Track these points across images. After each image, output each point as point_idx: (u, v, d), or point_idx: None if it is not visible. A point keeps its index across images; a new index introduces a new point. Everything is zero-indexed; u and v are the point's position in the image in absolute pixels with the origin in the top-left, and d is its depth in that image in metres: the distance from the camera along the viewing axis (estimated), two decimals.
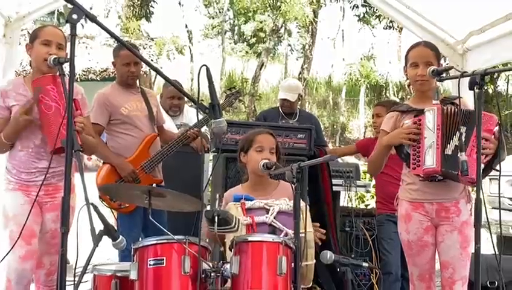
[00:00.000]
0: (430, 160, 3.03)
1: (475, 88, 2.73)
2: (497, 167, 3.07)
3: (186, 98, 5.15)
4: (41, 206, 3.29)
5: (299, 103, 5.83)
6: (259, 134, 3.42)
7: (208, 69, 2.51)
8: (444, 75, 3.12)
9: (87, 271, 2.42)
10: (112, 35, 2.59)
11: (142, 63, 4.65)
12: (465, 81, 2.83)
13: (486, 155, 3.02)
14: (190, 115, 5.37)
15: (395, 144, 3.21)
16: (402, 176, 3.35)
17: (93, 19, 2.30)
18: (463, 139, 2.97)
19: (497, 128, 3.08)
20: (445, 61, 5.89)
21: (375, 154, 3.37)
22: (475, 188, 2.79)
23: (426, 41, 3.56)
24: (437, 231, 3.23)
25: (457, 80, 2.97)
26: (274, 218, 3.14)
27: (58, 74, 3.01)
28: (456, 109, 3.09)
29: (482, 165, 2.90)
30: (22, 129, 3.24)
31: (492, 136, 3.06)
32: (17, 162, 3.31)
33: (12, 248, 3.08)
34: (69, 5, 2.26)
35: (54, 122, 3.10)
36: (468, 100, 3.13)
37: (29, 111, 3.19)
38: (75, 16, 2.22)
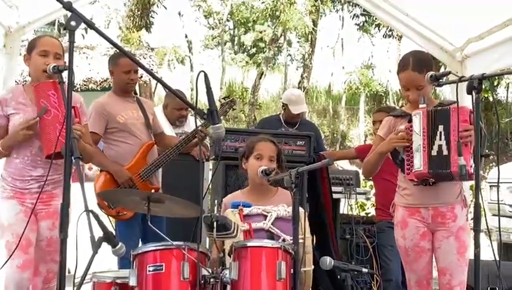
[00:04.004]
0: (418, 163, 3.06)
1: (473, 92, 2.74)
2: (496, 172, 3.06)
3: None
4: (36, 213, 3.27)
5: None
6: (259, 141, 3.44)
7: (205, 75, 2.52)
8: (443, 79, 3.12)
9: (86, 280, 2.41)
10: (111, 42, 2.59)
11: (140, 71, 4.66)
12: (464, 86, 2.84)
13: (470, 143, 2.98)
14: (192, 123, 5.32)
15: (390, 149, 3.22)
16: (398, 182, 3.35)
17: (91, 25, 2.32)
18: (443, 138, 2.97)
19: (471, 115, 2.99)
20: (444, 69, 5.90)
21: (371, 159, 3.35)
22: (474, 193, 2.78)
23: (415, 59, 3.27)
24: (434, 236, 3.22)
25: (456, 85, 2.97)
26: (272, 224, 3.14)
27: (58, 81, 3.03)
28: (435, 110, 3.11)
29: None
30: (21, 142, 3.24)
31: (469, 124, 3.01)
32: (13, 170, 3.30)
33: (9, 258, 3.08)
34: (69, 13, 2.27)
35: (51, 128, 3.11)
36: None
37: (31, 127, 3.18)
38: (73, 23, 2.23)
